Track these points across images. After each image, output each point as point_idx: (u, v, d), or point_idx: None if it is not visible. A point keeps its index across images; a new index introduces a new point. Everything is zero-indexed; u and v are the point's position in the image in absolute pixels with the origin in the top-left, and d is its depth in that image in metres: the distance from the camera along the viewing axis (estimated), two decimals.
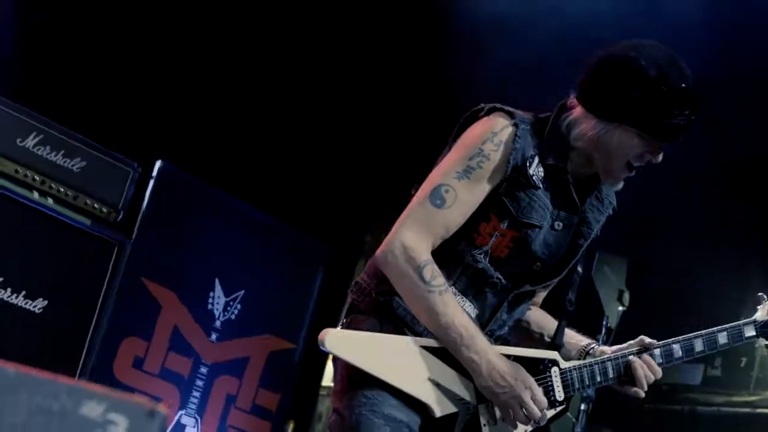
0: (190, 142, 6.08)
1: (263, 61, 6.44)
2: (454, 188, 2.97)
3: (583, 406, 6.04)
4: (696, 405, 7.70)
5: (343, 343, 2.95)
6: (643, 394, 3.16)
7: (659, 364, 3.16)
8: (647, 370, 3.14)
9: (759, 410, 7.47)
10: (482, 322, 3.08)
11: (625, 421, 7.19)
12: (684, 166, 6.48)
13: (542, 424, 3.03)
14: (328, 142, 6.65)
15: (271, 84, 6.47)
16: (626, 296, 6.61)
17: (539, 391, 2.98)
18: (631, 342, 3.23)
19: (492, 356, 2.93)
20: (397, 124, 6.52)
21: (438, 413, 2.93)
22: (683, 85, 2.97)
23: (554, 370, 3.08)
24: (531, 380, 2.97)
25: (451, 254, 3.02)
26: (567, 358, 3.22)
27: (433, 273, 2.91)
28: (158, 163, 5.49)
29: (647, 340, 3.19)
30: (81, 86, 5.84)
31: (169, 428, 5.53)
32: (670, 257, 6.98)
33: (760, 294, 3.29)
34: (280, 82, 6.51)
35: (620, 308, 6.56)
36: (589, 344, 3.28)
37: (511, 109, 3.09)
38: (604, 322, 6.34)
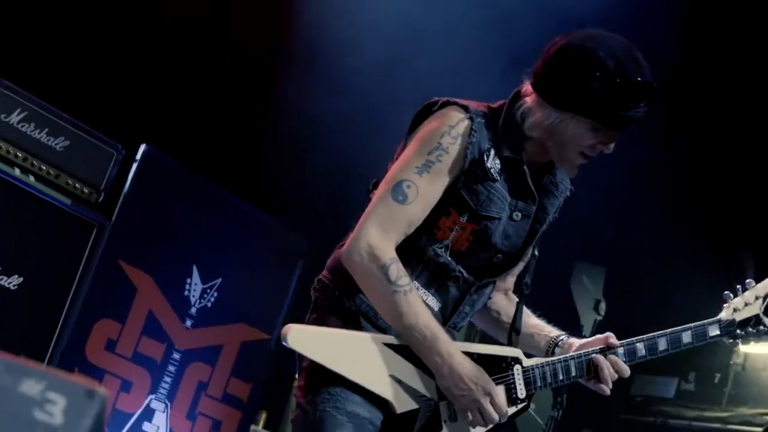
0: (175, 128, 6.07)
1: (250, 51, 6.42)
2: (415, 183, 2.96)
3: (553, 413, 6.06)
4: (668, 418, 7.71)
5: (306, 339, 2.93)
6: (608, 392, 3.15)
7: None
8: (612, 369, 3.13)
9: (730, 426, 7.49)
10: (445, 315, 3.09)
11: (597, 430, 7.20)
12: (663, 179, 6.53)
13: (503, 421, 3.03)
14: (312, 134, 6.64)
15: (257, 74, 6.45)
16: (602, 306, 6.63)
17: (499, 395, 2.98)
18: (599, 336, 3.22)
19: (455, 358, 2.92)
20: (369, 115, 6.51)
21: (399, 409, 2.93)
22: (639, 78, 2.95)
23: (517, 368, 3.08)
24: (491, 385, 2.97)
25: (412, 249, 3.01)
26: (536, 349, 3.23)
27: (398, 273, 2.90)
28: (143, 147, 5.48)
29: (612, 339, 3.18)
30: (70, 66, 5.82)
31: (138, 412, 5.52)
32: (649, 268, 7.00)
33: (726, 292, 3.28)
34: (266, 71, 6.49)
35: (596, 318, 6.58)
36: (559, 336, 3.28)
37: (465, 103, 3.08)
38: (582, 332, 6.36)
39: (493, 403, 2.95)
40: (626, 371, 3.16)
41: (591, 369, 3.14)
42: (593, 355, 3.14)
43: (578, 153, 3.06)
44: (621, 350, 3.15)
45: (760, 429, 7.29)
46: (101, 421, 1.44)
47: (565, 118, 3.01)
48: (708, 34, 5.93)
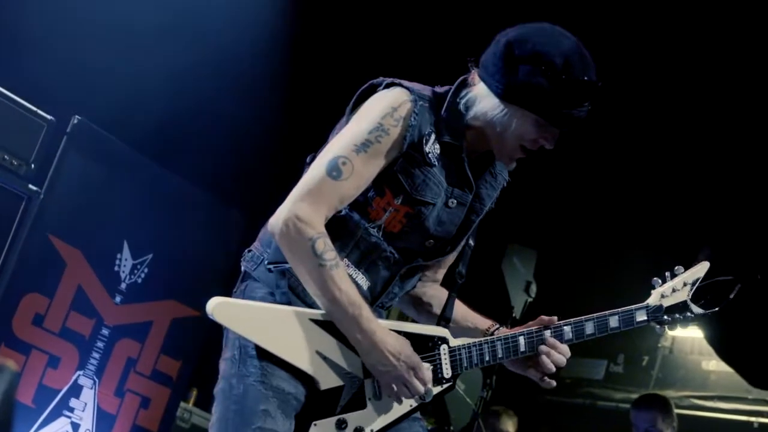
0: (107, 99, 5.97)
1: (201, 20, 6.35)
2: (351, 161, 2.94)
3: (483, 393, 6.10)
4: (597, 400, 7.83)
5: (231, 312, 2.91)
6: (552, 383, 3.17)
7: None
8: (555, 354, 3.12)
9: None
10: (374, 294, 3.08)
11: (525, 411, 7.27)
12: (597, 162, 6.59)
13: (427, 400, 3.03)
14: (247, 106, 6.59)
15: (197, 47, 6.38)
16: (533, 287, 6.68)
17: (424, 369, 2.98)
18: (529, 323, 3.21)
19: (378, 334, 2.92)
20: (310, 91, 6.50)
21: (323, 386, 2.93)
22: (586, 77, 2.96)
23: (443, 347, 3.09)
24: (416, 358, 2.97)
25: (344, 227, 3.00)
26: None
27: (324, 247, 2.88)
28: (74, 119, 5.39)
29: (545, 319, 3.17)
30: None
31: (66, 388, 5.45)
32: (579, 250, 7.07)
33: (654, 279, 3.30)
34: (202, 44, 6.43)
35: (527, 299, 6.62)
36: (492, 326, 3.28)
37: (410, 85, 3.07)
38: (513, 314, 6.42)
39: (417, 376, 2.95)
40: (566, 352, 3.14)
41: (516, 352, 3.12)
42: (520, 338, 3.13)
43: (519, 146, 3.07)
44: (547, 333, 3.15)
45: (687, 411, 7.42)
46: (11, 395, 1.42)
47: (510, 111, 3.01)
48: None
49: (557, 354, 3.14)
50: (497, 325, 3.29)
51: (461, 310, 3.33)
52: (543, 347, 3.13)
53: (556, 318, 3.18)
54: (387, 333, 2.95)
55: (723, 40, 5.85)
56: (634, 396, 6.93)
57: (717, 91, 6.14)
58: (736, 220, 6.63)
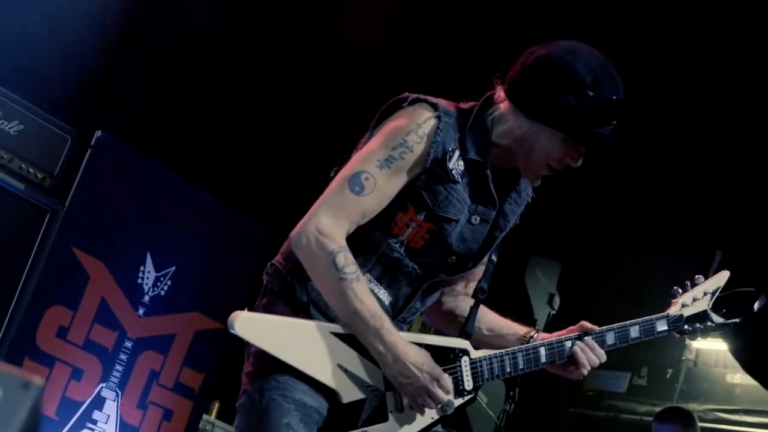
0: (131, 114, 6.02)
1: (225, 39, 6.38)
2: (374, 176, 2.94)
3: (506, 406, 6.09)
4: (620, 413, 7.79)
5: (253, 326, 2.92)
6: (585, 373, 3.16)
7: (568, 357, 3.15)
8: (591, 354, 3.13)
9: None
10: (396, 309, 3.08)
11: (548, 424, 7.25)
12: (621, 173, 6.57)
13: (449, 412, 3.03)
14: (269, 122, 6.62)
15: (218, 60, 6.42)
16: (556, 300, 6.67)
17: (445, 378, 2.97)
18: (561, 331, 3.21)
19: (400, 347, 2.91)
20: (339, 105, 6.51)
21: (345, 399, 2.92)
22: (615, 96, 2.96)
23: (464, 359, 3.08)
24: (437, 369, 2.96)
25: (367, 242, 3.00)
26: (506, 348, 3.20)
27: (345, 260, 2.88)
28: (97, 133, 5.42)
29: (573, 329, 3.18)
30: (24, 49, 5.74)
31: (89, 400, 5.47)
32: (603, 262, 7.05)
33: (675, 288, 3.29)
34: (229, 60, 6.46)
35: (550, 311, 6.61)
36: (528, 333, 3.27)
37: (435, 101, 3.06)
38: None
39: (441, 386, 2.95)
40: (602, 355, 3.15)
41: (537, 363, 3.13)
42: (540, 349, 3.14)
43: (545, 164, 3.06)
44: (568, 344, 3.15)
45: (711, 425, 7.37)
46: (37, 412, 1.42)
47: (538, 130, 3.00)
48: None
49: (592, 354, 3.14)
50: (533, 332, 3.28)
51: (495, 320, 3.33)
52: (579, 344, 3.13)
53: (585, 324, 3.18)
54: (408, 345, 2.95)
55: (740, 48, 5.83)
56: (658, 409, 6.89)
57: (734, 99, 6.12)
58: (747, 225, 6.61)
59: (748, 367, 7.39)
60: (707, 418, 7.57)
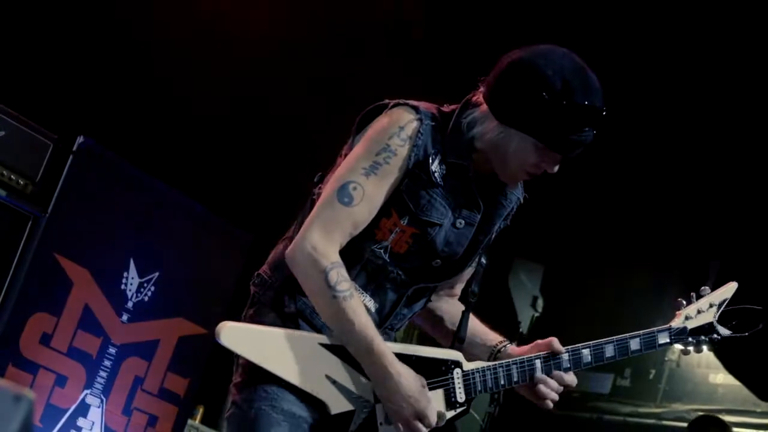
0: (112, 119, 5.99)
1: (201, 40, 6.37)
2: (362, 185, 2.92)
3: (490, 409, 6.10)
4: (603, 414, 7.80)
5: (240, 337, 2.90)
6: (550, 405, 3.09)
7: (566, 369, 3.08)
8: (556, 386, 3.06)
9: (664, 422, 7.60)
10: (382, 316, 3.06)
11: (532, 425, 7.25)
12: (604, 176, 6.59)
13: (440, 425, 3.01)
14: (251, 127, 6.60)
15: (201, 66, 6.40)
16: (540, 302, 6.68)
17: (430, 416, 2.91)
18: (539, 342, 3.14)
19: (392, 371, 2.88)
20: (321, 111, 6.51)
21: (334, 411, 2.91)
22: (587, 102, 2.90)
23: (457, 371, 3.04)
24: (424, 403, 2.90)
25: (351, 250, 2.98)
26: (476, 356, 3.18)
27: (338, 277, 2.86)
28: (79, 138, 5.39)
29: (556, 344, 3.09)
30: (3, 56, 5.72)
31: (73, 407, 5.44)
32: (587, 265, 7.07)
33: (679, 299, 3.22)
34: (211, 64, 6.45)
35: (534, 314, 6.62)
36: (500, 343, 3.22)
37: (416, 104, 3.03)
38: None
39: (424, 423, 2.90)
40: (573, 383, 3.09)
41: (532, 379, 3.07)
42: (536, 362, 3.07)
43: (521, 170, 3.02)
44: (566, 356, 3.09)
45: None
46: (28, 425, 1.41)
47: (509, 134, 2.96)
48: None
49: (550, 389, 3.07)
50: (506, 342, 3.24)
51: (471, 325, 3.25)
52: (538, 376, 3.06)
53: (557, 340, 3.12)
54: (401, 372, 2.91)
55: (740, 53, 5.86)
56: (641, 410, 6.92)
57: (726, 104, 6.14)
58: (743, 234, 6.63)
59: (731, 368, 7.42)
60: (690, 419, 7.60)
